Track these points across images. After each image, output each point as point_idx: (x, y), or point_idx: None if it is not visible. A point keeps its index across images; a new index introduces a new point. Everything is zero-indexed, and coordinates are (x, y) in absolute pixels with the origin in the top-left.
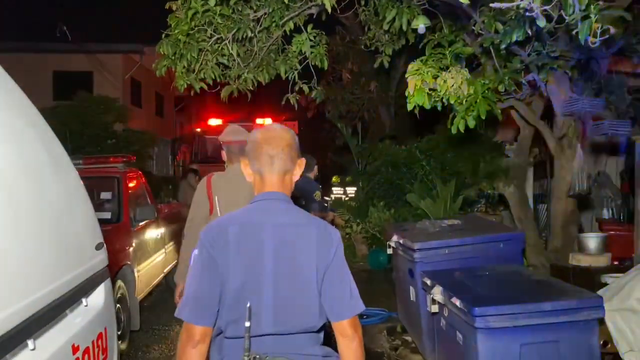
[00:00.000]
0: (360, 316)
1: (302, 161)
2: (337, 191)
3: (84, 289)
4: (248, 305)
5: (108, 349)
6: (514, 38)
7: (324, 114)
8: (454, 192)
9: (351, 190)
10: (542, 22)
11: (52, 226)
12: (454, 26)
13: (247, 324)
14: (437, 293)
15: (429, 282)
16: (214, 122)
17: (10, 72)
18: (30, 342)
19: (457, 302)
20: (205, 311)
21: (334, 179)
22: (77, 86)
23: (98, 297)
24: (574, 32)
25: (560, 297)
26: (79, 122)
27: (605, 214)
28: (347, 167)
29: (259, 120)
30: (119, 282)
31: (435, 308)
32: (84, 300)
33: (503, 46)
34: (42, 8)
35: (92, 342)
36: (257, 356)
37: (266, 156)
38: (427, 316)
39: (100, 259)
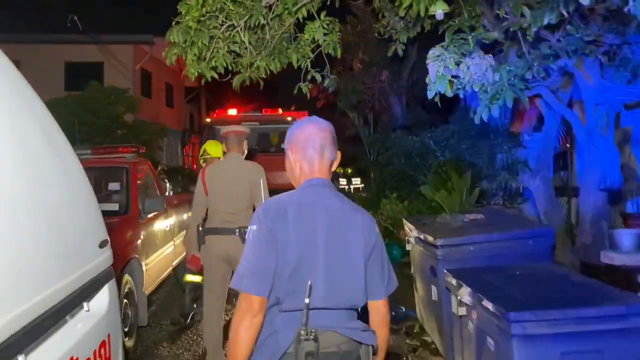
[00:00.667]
0: None
1: (339, 154)
2: (341, 181)
3: (86, 292)
4: (309, 283)
5: (112, 357)
6: (546, 21)
7: (333, 104)
8: (470, 184)
9: (356, 180)
10: (585, 0)
11: (50, 222)
12: (473, 11)
13: (307, 300)
14: (465, 294)
15: (454, 282)
16: (223, 112)
17: (23, 63)
18: (20, 358)
19: (489, 306)
20: (265, 282)
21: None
22: (88, 77)
23: (101, 301)
24: (626, 9)
25: (606, 301)
26: (89, 113)
27: (630, 207)
28: (359, 157)
29: (268, 111)
30: (127, 277)
31: (462, 311)
32: (85, 304)
33: (534, 29)
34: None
35: (94, 351)
36: (311, 330)
37: (318, 146)
38: (451, 317)
39: (104, 257)
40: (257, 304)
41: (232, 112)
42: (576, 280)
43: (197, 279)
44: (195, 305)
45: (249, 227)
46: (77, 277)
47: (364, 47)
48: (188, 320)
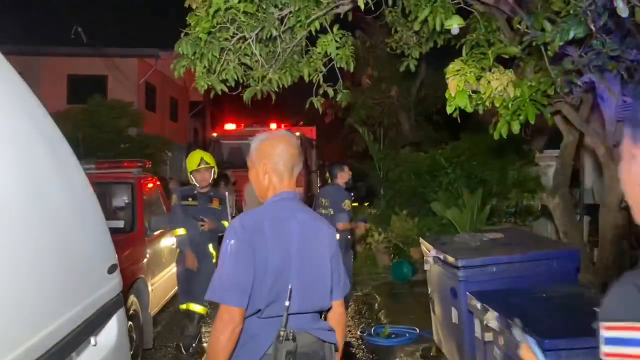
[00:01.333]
0: (389, 335)
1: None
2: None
3: (94, 324)
4: (290, 287)
5: None
6: (571, 35)
7: (341, 120)
8: (481, 202)
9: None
10: (624, 12)
11: (55, 247)
12: (489, 26)
13: (287, 303)
14: (491, 319)
15: (478, 305)
16: (229, 126)
17: (25, 76)
18: None
19: None
20: (244, 294)
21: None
22: (92, 90)
23: (110, 333)
24: None
25: None
26: (92, 126)
27: None
28: (369, 173)
29: (274, 125)
30: (132, 298)
31: (488, 336)
32: (92, 339)
33: (560, 43)
34: (58, 11)
35: None
36: (290, 331)
37: (290, 162)
38: (474, 342)
39: (113, 284)
40: (238, 316)
41: (239, 126)
42: None
43: (198, 307)
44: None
45: (226, 241)
46: (83, 308)
47: (372, 62)
48: (195, 343)
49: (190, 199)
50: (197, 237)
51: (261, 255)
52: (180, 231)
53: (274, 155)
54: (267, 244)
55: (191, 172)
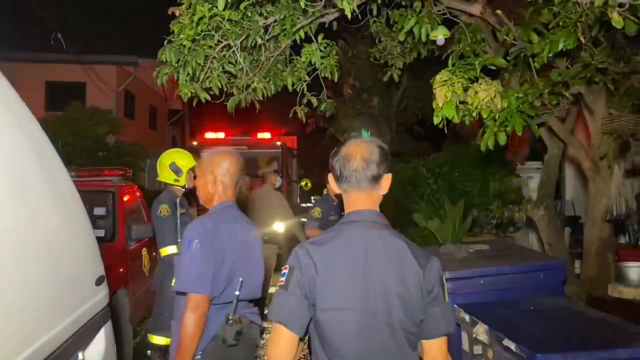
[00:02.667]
0: None
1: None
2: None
3: (81, 339)
4: (240, 279)
5: None
6: (560, 47)
7: (323, 129)
8: (462, 213)
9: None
10: (619, 23)
11: (41, 257)
12: (474, 37)
13: (237, 292)
14: (481, 332)
15: (467, 318)
16: (210, 135)
17: None
18: None
19: (512, 346)
20: (209, 285)
21: (302, 183)
22: (70, 97)
23: (97, 348)
24: None
25: (636, 341)
26: (70, 134)
27: (622, 238)
28: None
29: (258, 135)
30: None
31: (478, 349)
32: (80, 354)
33: (550, 55)
34: (36, 17)
35: None
36: (237, 315)
37: (235, 175)
38: (461, 354)
39: (100, 296)
40: (205, 302)
41: (220, 135)
42: (596, 317)
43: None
44: None
45: (190, 241)
46: (71, 322)
47: (354, 72)
48: None
49: (182, 207)
50: None
51: (220, 252)
52: (172, 249)
53: (223, 169)
54: (224, 243)
55: (189, 170)
